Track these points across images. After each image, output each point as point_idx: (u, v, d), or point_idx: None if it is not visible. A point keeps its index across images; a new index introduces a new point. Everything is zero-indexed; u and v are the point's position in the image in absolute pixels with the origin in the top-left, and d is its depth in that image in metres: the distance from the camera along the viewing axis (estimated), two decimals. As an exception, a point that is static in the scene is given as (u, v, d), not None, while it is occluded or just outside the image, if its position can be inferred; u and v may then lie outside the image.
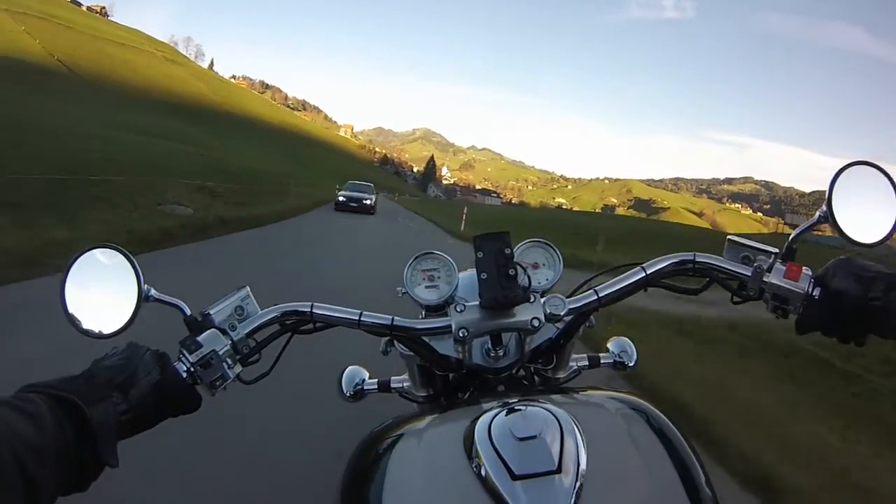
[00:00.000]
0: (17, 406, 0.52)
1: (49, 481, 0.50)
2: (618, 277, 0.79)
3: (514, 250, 0.79)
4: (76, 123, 28.08)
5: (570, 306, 0.76)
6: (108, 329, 0.71)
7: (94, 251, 0.74)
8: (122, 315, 0.71)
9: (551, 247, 0.94)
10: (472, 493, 0.52)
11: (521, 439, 0.54)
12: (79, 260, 0.73)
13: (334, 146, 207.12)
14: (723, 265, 0.76)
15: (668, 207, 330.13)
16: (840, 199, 0.69)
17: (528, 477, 0.51)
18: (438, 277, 0.92)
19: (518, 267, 0.76)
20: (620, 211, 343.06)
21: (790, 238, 0.73)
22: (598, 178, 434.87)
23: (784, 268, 0.71)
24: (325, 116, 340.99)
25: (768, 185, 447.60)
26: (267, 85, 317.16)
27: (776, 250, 0.73)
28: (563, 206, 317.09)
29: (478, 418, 0.60)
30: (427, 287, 0.92)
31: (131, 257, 0.72)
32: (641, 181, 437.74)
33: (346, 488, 0.65)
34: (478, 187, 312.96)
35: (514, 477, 0.51)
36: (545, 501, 0.50)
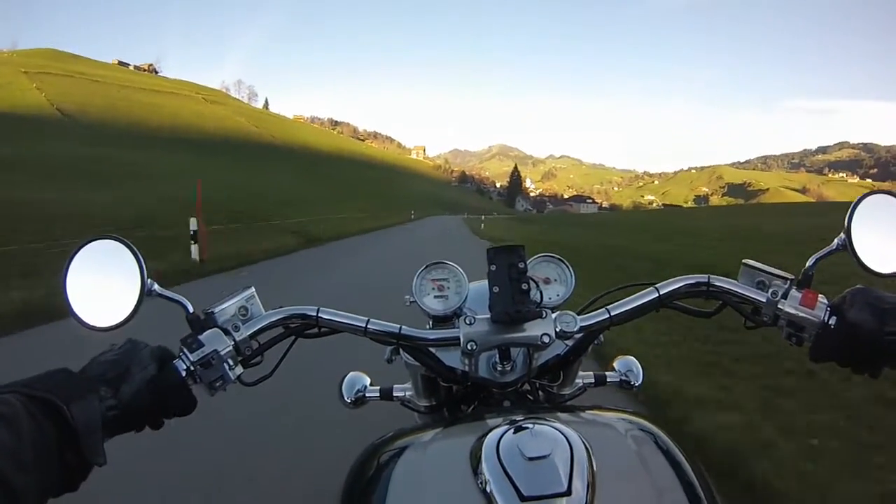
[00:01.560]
0: None
1: (31, 487, 0.48)
2: (631, 297, 0.78)
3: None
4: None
5: (582, 324, 0.75)
6: (108, 323, 0.69)
7: (98, 242, 0.72)
8: (123, 309, 0.69)
9: (563, 262, 0.94)
10: None
11: (531, 459, 0.52)
12: (82, 250, 0.71)
13: (406, 169, 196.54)
14: (737, 290, 0.75)
15: (767, 189, 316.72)
16: (859, 228, 0.69)
17: (537, 499, 0.49)
18: (448, 288, 0.92)
19: (531, 281, 0.75)
20: (714, 200, 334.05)
21: (807, 265, 0.72)
22: (683, 170, 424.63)
23: (800, 295, 0.70)
24: (399, 144, 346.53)
25: (868, 148, 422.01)
26: (336, 122, 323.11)
27: (792, 276, 0.72)
28: (654, 203, 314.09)
29: (485, 435, 0.59)
30: (436, 297, 0.92)
31: (135, 249, 0.70)
32: (729, 165, 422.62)
33: (347, 501, 0.64)
34: (566, 196, 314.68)
35: (522, 498, 0.49)
36: None
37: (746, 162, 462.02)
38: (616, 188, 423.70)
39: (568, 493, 0.49)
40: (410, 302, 0.92)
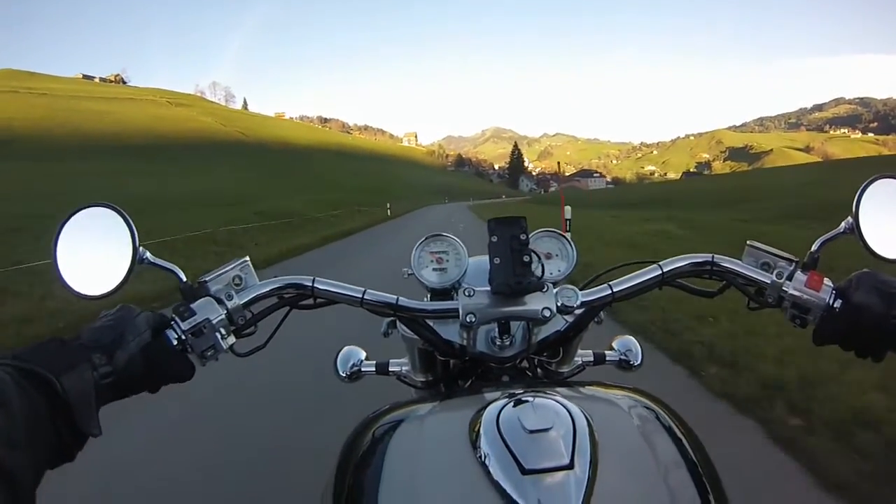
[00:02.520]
0: None
1: (26, 463, 0.47)
2: (634, 273, 0.78)
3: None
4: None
5: (584, 299, 0.74)
6: (98, 291, 0.69)
7: (89, 209, 0.70)
8: (114, 277, 0.68)
9: (564, 237, 0.93)
10: (478, 485, 0.50)
11: (532, 432, 0.51)
12: (73, 218, 0.70)
13: (396, 158, 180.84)
14: (742, 270, 0.74)
15: (770, 150, 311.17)
16: (867, 212, 0.68)
17: (539, 472, 0.48)
18: (447, 261, 0.91)
19: (533, 254, 0.72)
20: (717, 166, 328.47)
21: (813, 248, 0.71)
22: (680, 138, 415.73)
23: (805, 277, 0.70)
24: (390, 135, 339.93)
25: (864, 102, 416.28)
26: (325, 119, 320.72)
27: (796, 259, 0.72)
28: (655, 174, 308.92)
29: (484, 407, 0.57)
30: (435, 270, 0.91)
31: (127, 217, 0.69)
32: (726, 129, 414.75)
33: (342, 474, 0.62)
34: (567, 172, 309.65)
35: (523, 471, 0.48)
36: (555, 498, 0.47)
37: (743, 125, 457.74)
38: (615, 161, 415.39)
39: (570, 466, 0.48)
40: (409, 274, 0.90)
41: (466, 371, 0.91)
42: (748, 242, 0.76)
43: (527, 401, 0.56)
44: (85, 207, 0.70)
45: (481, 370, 0.88)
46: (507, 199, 73.20)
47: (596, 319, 0.86)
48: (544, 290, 0.72)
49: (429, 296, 0.92)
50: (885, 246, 0.68)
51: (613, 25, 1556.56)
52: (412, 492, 0.52)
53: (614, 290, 0.76)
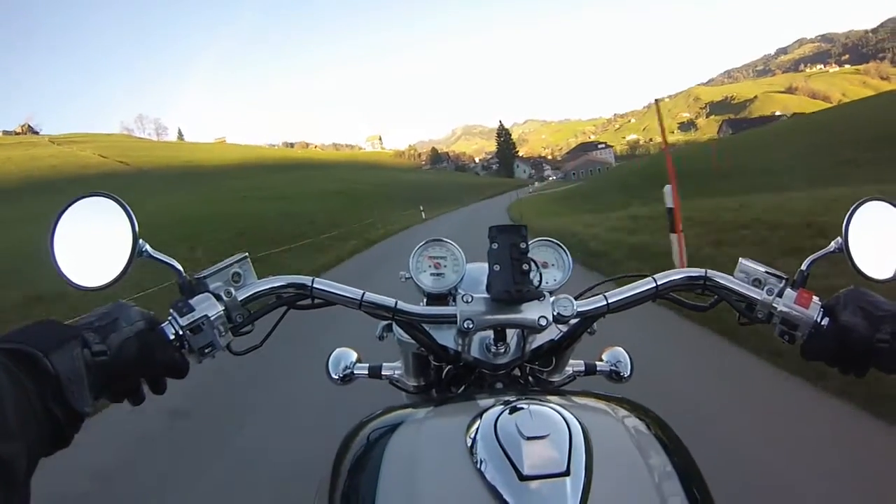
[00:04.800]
0: None
1: (20, 452, 0.45)
2: (628, 286, 0.78)
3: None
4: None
5: (579, 309, 0.74)
6: (96, 283, 0.66)
7: (89, 199, 0.68)
8: (113, 269, 0.66)
9: (561, 247, 0.94)
10: (475, 490, 0.50)
11: (529, 438, 0.52)
12: (71, 207, 0.67)
13: (355, 163, 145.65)
14: (733, 286, 0.75)
15: (754, 97, 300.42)
16: (856, 233, 0.70)
17: (536, 478, 0.48)
18: (445, 266, 0.90)
19: (532, 263, 0.73)
20: (701, 122, 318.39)
21: (802, 265, 0.73)
22: (653, 103, 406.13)
23: (795, 294, 0.71)
24: (358, 147, 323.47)
25: (826, 38, 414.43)
26: (291, 144, 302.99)
27: (787, 276, 0.73)
28: (640, 141, 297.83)
29: (481, 413, 0.58)
30: (432, 275, 0.90)
31: (128, 208, 0.66)
32: (700, 86, 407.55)
33: (336, 476, 0.61)
34: (554, 156, 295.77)
35: (521, 477, 0.48)
36: None
37: (710, 81, 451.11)
38: (592, 137, 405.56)
39: (566, 473, 0.49)
40: (406, 278, 0.90)
41: (460, 377, 0.91)
42: (741, 259, 0.77)
43: (523, 408, 0.57)
44: (84, 197, 0.68)
45: (474, 377, 0.88)
46: (532, 192, 56.27)
47: (589, 330, 0.87)
48: (541, 298, 0.73)
49: (425, 300, 0.92)
50: (874, 267, 0.70)
51: (563, 4, 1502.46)
52: (408, 495, 0.52)
53: (609, 301, 0.76)
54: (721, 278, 0.76)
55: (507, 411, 0.56)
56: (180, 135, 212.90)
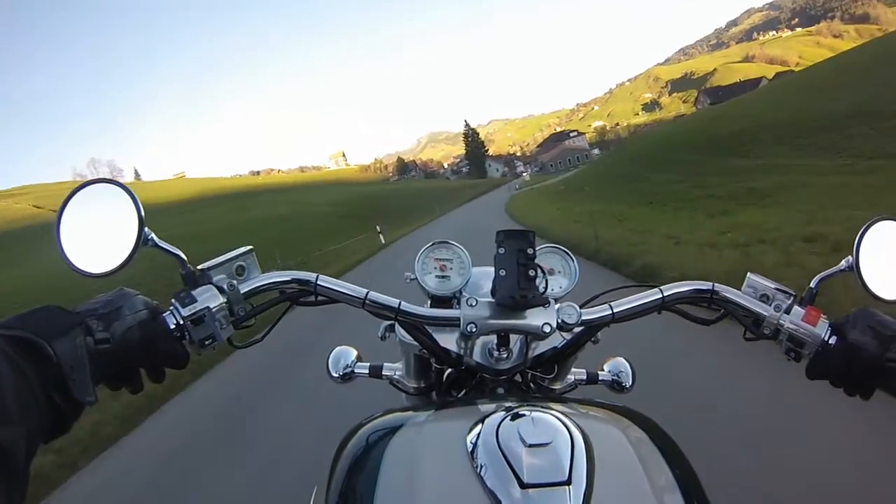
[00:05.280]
0: None
1: (20, 438, 0.44)
2: (634, 296, 0.77)
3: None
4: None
5: (584, 317, 0.74)
6: (101, 269, 0.66)
7: (96, 185, 0.68)
8: (118, 256, 0.65)
9: (568, 254, 0.93)
10: (475, 496, 0.49)
11: (531, 446, 0.51)
12: (79, 193, 0.67)
13: (311, 183, 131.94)
14: (741, 301, 0.75)
15: (713, 70, 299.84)
16: (867, 252, 0.69)
17: (538, 486, 0.48)
18: (451, 269, 0.90)
19: (539, 269, 0.72)
20: (666, 101, 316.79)
21: (812, 283, 0.72)
22: (612, 89, 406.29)
23: (803, 311, 0.70)
24: (324, 168, 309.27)
25: (774, 6, 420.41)
26: (257, 171, 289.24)
27: (795, 293, 0.72)
28: (608, 127, 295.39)
29: (483, 419, 0.57)
30: (438, 277, 0.90)
31: (135, 196, 0.66)
32: (658, 66, 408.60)
33: (335, 478, 0.61)
34: (524, 151, 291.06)
35: (522, 485, 0.48)
36: None
37: (667, 60, 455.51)
38: (559, 129, 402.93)
39: (568, 482, 0.48)
40: (411, 279, 0.90)
41: (461, 381, 0.91)
42: (749, 274, 0.76)
43: (525, 415, 0.56)
44: (92, 183, 0.68)
45: (475, 381, 0.88)
46: (521, 188, 48.39)
47: (593, 339, 0.85)
48: (546, 305, 0.72)
49: (429, 302, 0.91)
50: (884, 287, 0.70)
51: (507, 5, 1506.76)
52: (408, 500, 0.51)
53: (615, 310, 0.76)
54: (728, 292, 0.76)
55: (509, 418, 0.56)
56: (137, 175, 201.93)
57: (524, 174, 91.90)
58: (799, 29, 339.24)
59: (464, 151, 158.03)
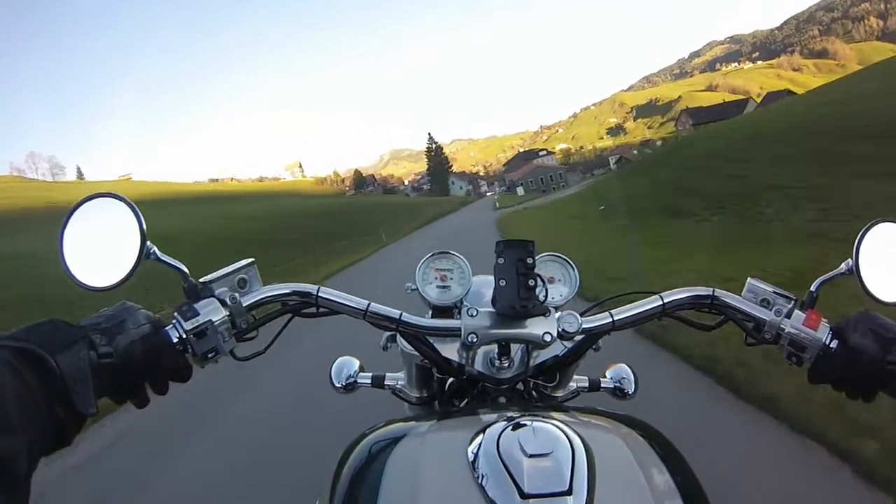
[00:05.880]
0: None
1: (21, 449, 0.45)
2: (634, 303, 0.78)
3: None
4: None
5: (585, 326, 0.74)
6: (103, 283, 0.66)
7: (99, 200, 0.68)
8: (120, 270, 0.66)
9: (568, 262, 0.93)
10: None
11: (532, 456, 0.51)
12: (81, 207, 0.68)
13: (259, 193, 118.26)
14: (741, 306, 0.75)
15: (678, 98, 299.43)
16: (867, 254, 0.69)
17: (538, 497, 0.48)
18: (451, 279, 0.90)
19: (538, 278, 0.73)
20: (630, 126, 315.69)
21: (812, 287, 0.72)
22: (577, 113, 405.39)
23: (804, 315, 0.70)
24: (279, 179, 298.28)
25: (735, 39, 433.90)
26: (215, 179, 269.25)
27: (796, 297, 0.72)
28: (572, 149, 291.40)
29: (484, 429, 0.57)
30: (438, 287, 0.90)
31: (137, 210, 0.66)
32: (622, 92, 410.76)
33: (338, 488, 0.61)
34: (487, 171, 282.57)
35: (522, 496, 0.48)
36: None
37: (631, 87, 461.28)
38: (522, 150, 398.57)
39: (569, 492, 0.48)
40: (412, 290, 0.90)
41: (462, 390, 0.91)
42: (749, 279, 0.76)
43: (526, 425, 0.56)
44: (94, 197, 0.68)
45: (477, 390, 0.88)
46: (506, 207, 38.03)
47: (594, 347, 0.86)
48: (546, 314, 0.72)
49: (430, 312, 0.91)
50: (885, 289, 0.69)
51: (480, 23, 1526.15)
52: None
53: (615, 318, 0.76)
54: (729, 298, 0.76)
55: (510, 427, 0.56)
56: (80, 173, 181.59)
57: (519, 189, 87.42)
58: (760, 62, 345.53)
59: (426, 168, 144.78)
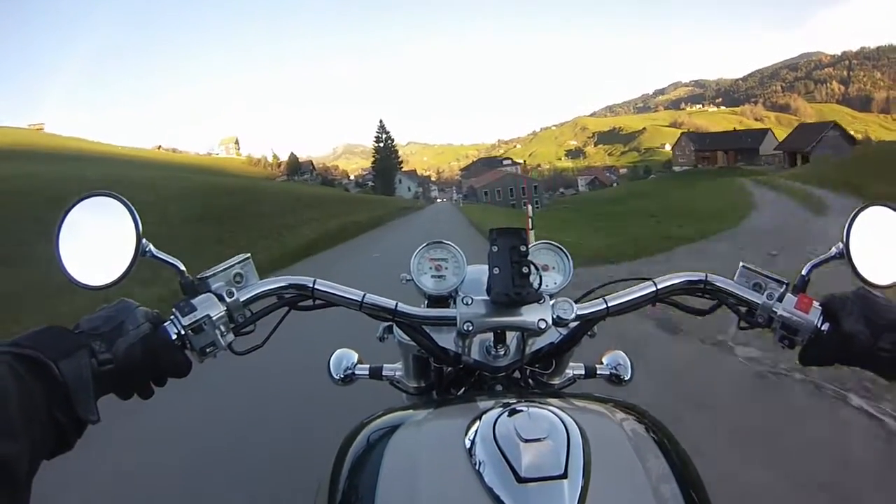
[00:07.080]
0: None
1: (23, 453, 0.45)
2: (628, 289, 0.78)
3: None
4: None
5: (579, 312, 0.74)
6: (99, 282, 0.67)
7: (93, 199, 0.68)
8: (116, 268, 0.66)
9: (562, 250, 0.93)
10: (473, 492, 0.50)
11: (528, 441, 0.51)
12: (77, 206, 0.68)
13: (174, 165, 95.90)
14: (734, 290, 0.75)
15: (643, 129, 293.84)
16: (857, 238, 0.70)
17: (534, 481, 0.48)
18: (446, 268, 0.91)
19: (532, 266, 0.73)
20: (590, 150, 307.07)
21: (803, 270, 0.73)
22: (536, 131, 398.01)
23: (796, 298, 0.71)
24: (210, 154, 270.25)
25: (699, 84, 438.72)
26: (160, 147, 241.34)
27: (787, 281, 0.73)
28: (530, 165, 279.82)
29: (480, 416, 0.58)
30: (433, 277, 0.91)
31: (132, 208, 0.66)
32: (585, 117, 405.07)
33: (337, 477, 0.61)
34: (439, 177, 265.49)
35: (519, 480, 0.48)
36: None
37: (594, 114, 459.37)
38: (480, 158, 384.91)
39: (564, 476, 0.49)
40: (407, 280, 0.91)
41: (460, 379, 0.91)
42: (741, 264, 0.77)
43: (522, 410, 0.56)
44: (89, 196, 0.68)
45: (474, 379, 0.88)
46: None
47: (589, 333, 0.86)
48: (541, 301, 0.73)
49: (426, 302, 0.92)
50: (875, 272, 0.70)
51: (448, 34, 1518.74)
52: (408, 497, 0.52)
53: (609, 304, 0.76)
54: (721, 282, 0.76)
55: (506, 413, 0.56)
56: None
57: (456, 197, 78.12)
58: (723, 107, 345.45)
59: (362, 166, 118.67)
